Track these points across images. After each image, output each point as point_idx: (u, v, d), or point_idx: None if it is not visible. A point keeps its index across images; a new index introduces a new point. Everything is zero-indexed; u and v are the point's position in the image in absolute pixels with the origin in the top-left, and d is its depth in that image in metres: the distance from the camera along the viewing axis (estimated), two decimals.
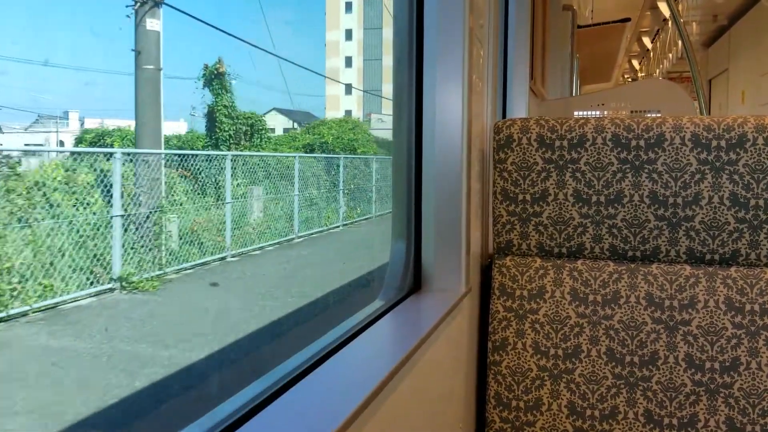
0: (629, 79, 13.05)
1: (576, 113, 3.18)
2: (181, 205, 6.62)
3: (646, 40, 9.63)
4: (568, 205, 1.31)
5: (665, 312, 1.25)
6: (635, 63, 11.96)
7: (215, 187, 7.60)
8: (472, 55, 1.27)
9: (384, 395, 0.79)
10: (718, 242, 1.25)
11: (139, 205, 5.60)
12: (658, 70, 10.00)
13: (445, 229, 1.25)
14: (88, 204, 5.04)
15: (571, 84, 5.13)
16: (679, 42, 7.19)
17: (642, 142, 1.27)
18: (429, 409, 1.07)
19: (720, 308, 1.23)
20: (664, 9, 6.79)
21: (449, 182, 1.24)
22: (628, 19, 6.96)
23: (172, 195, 6.41)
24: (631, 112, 3.08)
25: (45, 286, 4.45)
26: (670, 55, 8.61)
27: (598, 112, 3.12)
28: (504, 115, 2.35)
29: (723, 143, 1.23)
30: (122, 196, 5.29)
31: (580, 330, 1.28)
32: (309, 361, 0.85)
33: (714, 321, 1.23)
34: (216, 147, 9.32)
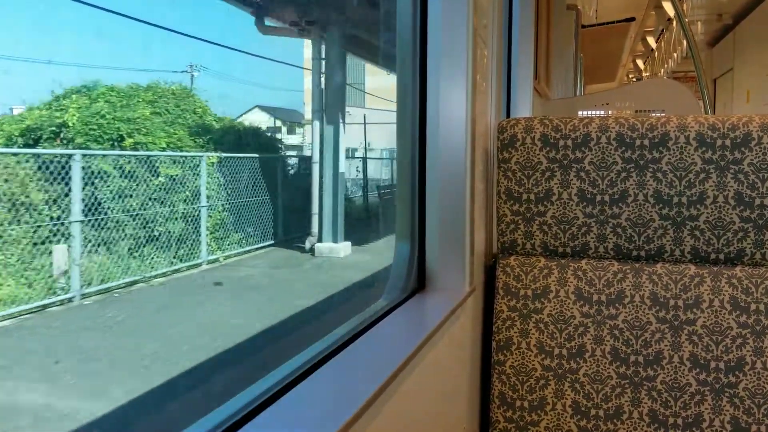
0: (634, 79, 13.02)
1: (580, 113, 3.17)
2: None
3: (651, 40, 9.60)
4: (572, 205, 1.31)
5: (670, 312, 1.25)
6: (640, 63, 11.92)
7: None
8: (476, 55, 1.27)
9: (388, 394, 0.79)
10: (723, 242, 1.25)
11: None
12: (662, 70, 9.97)
13: (449, 228, 1.25)
14: None
15: (575, 84, 5.12)
16: (684, 41, 7.18)
17: (646, 142, 1.26)
18: (433, 409, 1.07)
19: (725, 308, 1.23)
20: (669, 8, 6.77)
21: (453, 182, 1.25)
22: (632, 19, 6.95)
23: None
24: (636, 111, 3.08)
25: None
26: (675, 54, 8.59)
27: (602, 112, 3.12)
28: (508, 115, 2.35)
29: (728, 142, 1.23)
30: None
31: (584, 329, 1.28)
32: (314, 359, 0.85)
33: (719, 321, 1.22)
34: None
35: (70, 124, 6.36)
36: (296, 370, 0.81)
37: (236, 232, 7.95)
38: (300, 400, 0.74)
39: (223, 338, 4.77)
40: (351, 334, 0.96)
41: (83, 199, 5.48)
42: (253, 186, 8.47)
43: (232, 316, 5.59)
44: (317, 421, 0.69)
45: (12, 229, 4.81)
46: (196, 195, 7.18)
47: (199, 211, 7.18)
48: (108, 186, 5.92)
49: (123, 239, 5.96)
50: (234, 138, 8.75)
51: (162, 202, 6.54)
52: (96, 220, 5.73)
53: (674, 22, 7.75)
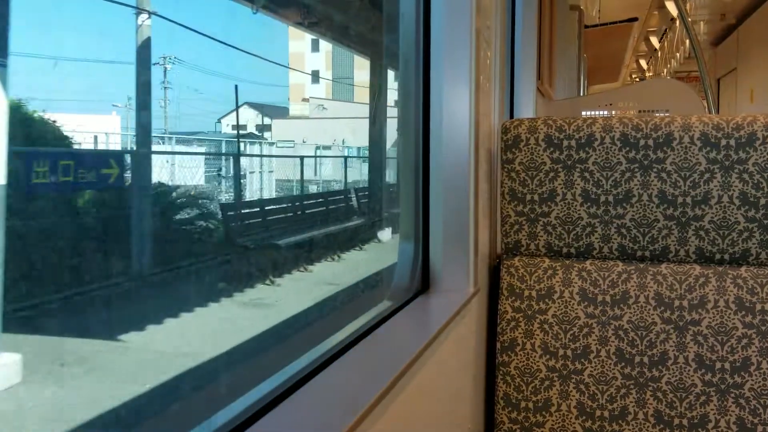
0: (637, 79, 13.00)
1: (584, 113, 3.17)
2: None
3: (654, 40, 9.60)
4: (576, 205, 1.30)
5: (675, 312, 1.24)
6: (643, 63, 11.91)
7: None
8: (479, 55, 1.27)
9: (392, 396, 0.79)
10: (728, 242, 1.24)
11: None
12: (666, 70, 9.96)
13: (452, 229, 1.25)
14: None
15: (578, 84, 5.12)
16: (687, 41, 7.17)
17: (650, 142, 1.26)
18: (437, 410, 1.07)
19: (730, 308, 1.22)
20: (672, 8, 6.76)
21: (457, 183, 1.25)
22: (635, 19, 6.94)
23: None
24: (639, 111, 3.07)
25: None
26: (678, 54, 8.58)
27: (605, 112, 3.11)
28: (511, 116, 2.35)
29: (732, 142, 1.23)
30: None
31: (589, 330, 1.28)
32: (317, 361, 0.85)
33: (724, 321, 1.22)
34: None
35: None
36: (301, 371, 0.81)
37: None
38: (305, 401, 0.74)
39: None
40: (356, 335, 0.96)
41: None
42: None
43: None
44: (322, 421, 0.69)
45: None
46: None
47: None
48: None
49: None
50: None
51: None
52: None
53: (677, 22, 7.74)
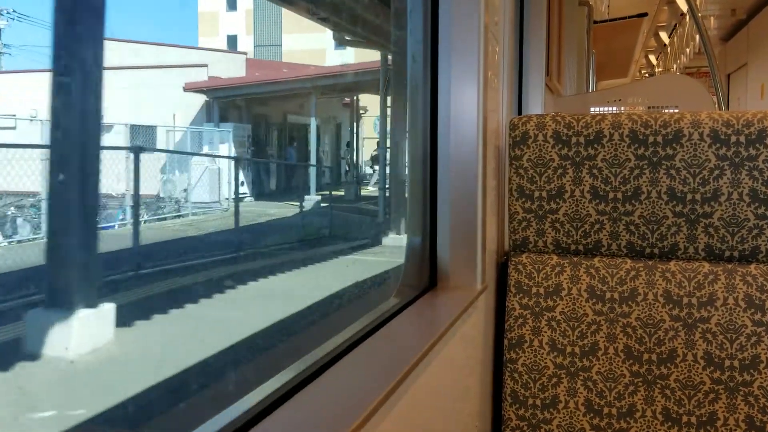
0: (646, 75, 12.92)
1: (592, 109, 3.15)
2: None
3: (664, 35, 9.53)
4: (584, 202, 1.30)
5: (683, 309, 1.24)
6: (652, 58, 11.84)
7: None
8: (487, 51, 1.26)
9: (400, 392, 0.79)
10: (737, 239, 1.23)
11: None
12: (675, 66, 9.90)
13: (460, 226, 1.25)
14: None
15: (587, 80, 5.09)
16: (697, 37, 7.11)
17: (660, 138, 1.25)
18: (445, 407, 1.07)
19: (739, 305, 1.21)
20: (682, 3, 6.71)
21: (465, 179, 1.24)
22: (645, 14, 6.90)
23: None
24: (649, 108, 3.05)
25: None
26: (688, 50, 8.52)
27: (614, 108, 3.09)
28: (520, 112, 2.34)
29: (742, 139, 1.22)
30: None
31: (597, 327, 1.27)
32: (325, 358, 0.85)
33: (733, 318, 1.21)
34: None
35: None
36: (307, 369, 0.81)
37: None
38: (311, 399, 0.74)
39: None
40: (363, 333, 0.96)
41: None
42: None
43: None
44: (329, 420, 0.69)
45: None
46: None
47: None
48: None
49: None
50: None
51: None
52: None
53: (687, 17, 7.69)
